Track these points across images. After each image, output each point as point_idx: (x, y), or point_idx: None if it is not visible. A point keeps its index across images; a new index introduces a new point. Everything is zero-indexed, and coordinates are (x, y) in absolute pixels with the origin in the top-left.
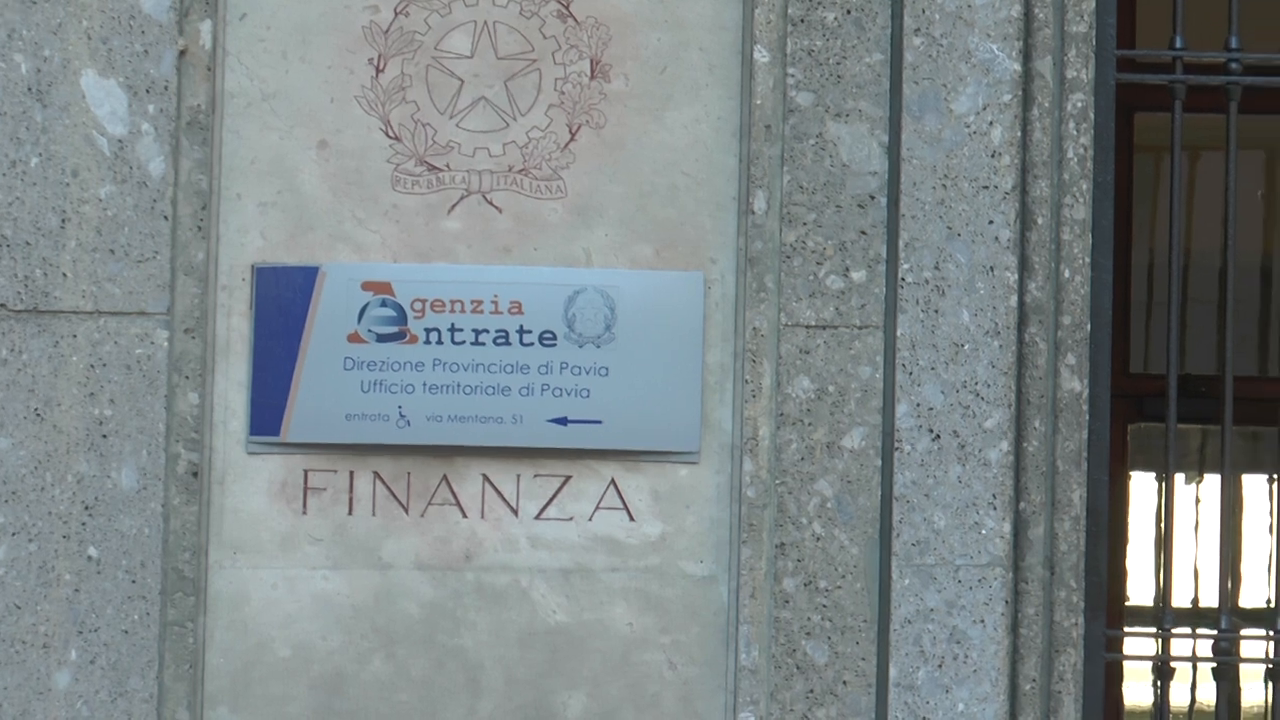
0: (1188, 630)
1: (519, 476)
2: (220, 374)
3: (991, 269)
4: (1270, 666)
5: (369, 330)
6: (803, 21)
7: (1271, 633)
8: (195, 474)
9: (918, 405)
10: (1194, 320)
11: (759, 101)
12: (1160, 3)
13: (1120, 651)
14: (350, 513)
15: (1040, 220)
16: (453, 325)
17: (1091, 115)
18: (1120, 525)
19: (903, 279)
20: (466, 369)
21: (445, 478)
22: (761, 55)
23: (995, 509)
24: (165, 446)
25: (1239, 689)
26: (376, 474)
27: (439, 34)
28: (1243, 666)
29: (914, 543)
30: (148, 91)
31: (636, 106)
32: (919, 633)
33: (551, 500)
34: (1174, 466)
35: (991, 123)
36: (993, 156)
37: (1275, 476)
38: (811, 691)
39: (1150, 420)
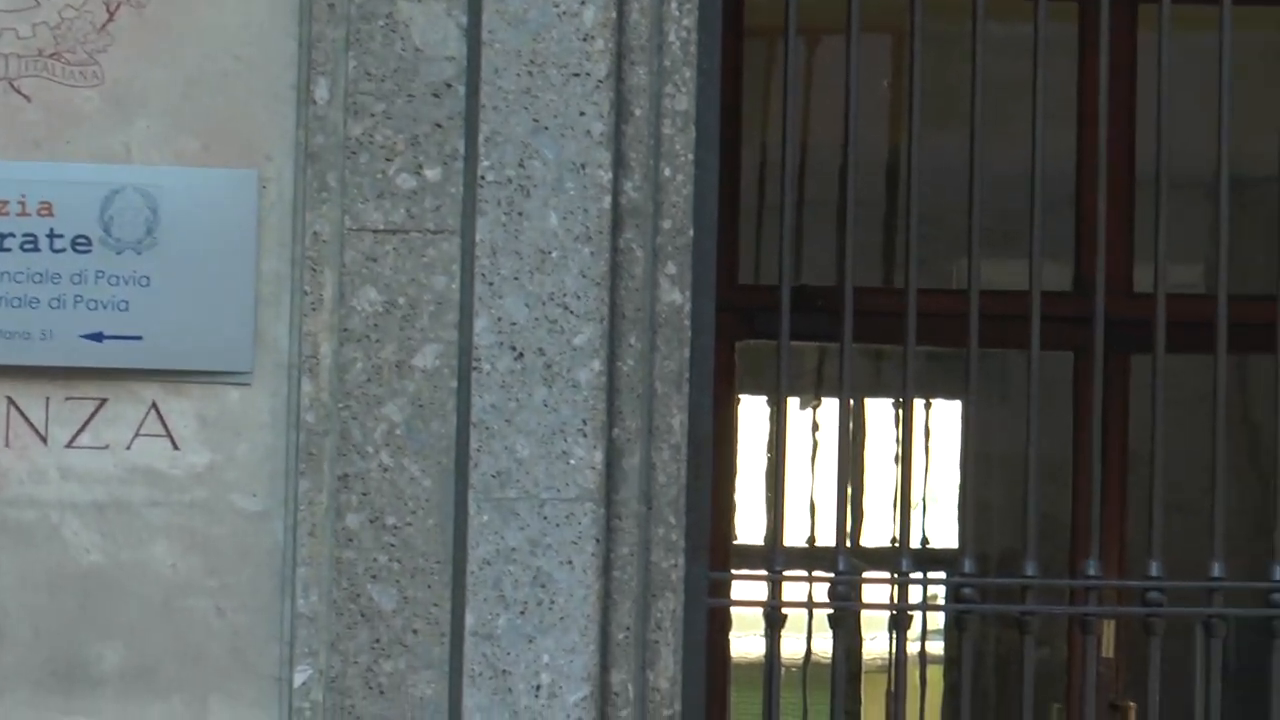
0: (802, 573)
1: (48, 400)
2: None
3: (582, 167)
4: (894, 614)
5: None
6: None
7: (895, 575)
8: None
9: (499, 320)
10: (811, 225)
11: None
12: None
13: (726, 596)
14: None
15: (638, 112)
16: None
17: None
18: (727, 455)
19: (482, 178)
20: None
21: None
22: None
23: (586, 436)
24: None
25: (859, 638)
26: None
27: None
28: (864, 613)
29: (494, 474)
30: None
31: None
32: (499, 575)
33: (85, 426)
34: (787, 389)
35: (584, 2)
36: (585, 40)
37: (902, 400)
38: (378, 641)
39: (761, 337)
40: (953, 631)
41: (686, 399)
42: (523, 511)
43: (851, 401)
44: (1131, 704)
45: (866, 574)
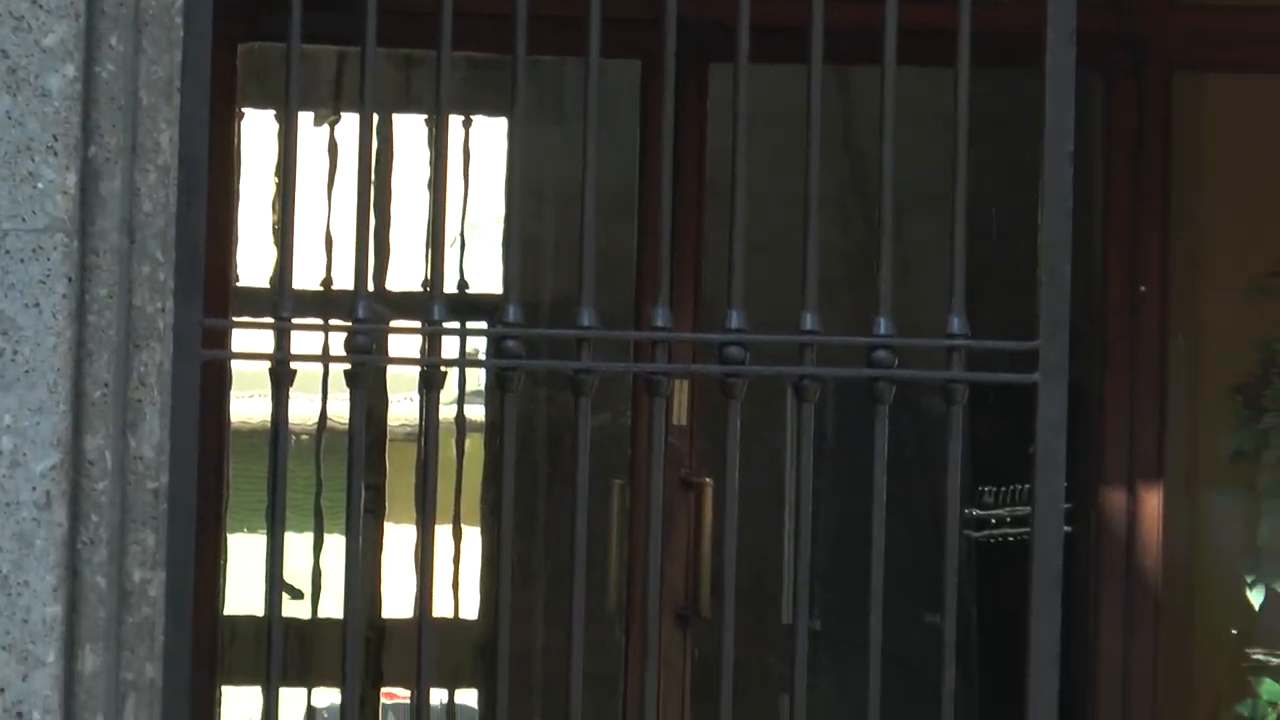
0: (316, 321)
1: None
2: None
3: None
4: (425, 370)
5: None
6: None
7: (426, 325)
8: None
9: None
10: None
11: None
12: None
13: (225, 348)
14: None
15: None
16: None
17: None
18: (226, 179)
19: None
20: None
21: None
22: None
23: (57, 155)
24: None
25: (384, 399)
26: None
27: None
28: (389, 370)
29: None
30: None
31: None
32: None
33: None
34: (298, 101)
35: None
36: None
37: (436, 117)
38: None
39: (268, 39)
40: (495, 392)
41: (177, 111)
42: None
43: (376, 117)
44: (708, 480)
45: (392, 323)
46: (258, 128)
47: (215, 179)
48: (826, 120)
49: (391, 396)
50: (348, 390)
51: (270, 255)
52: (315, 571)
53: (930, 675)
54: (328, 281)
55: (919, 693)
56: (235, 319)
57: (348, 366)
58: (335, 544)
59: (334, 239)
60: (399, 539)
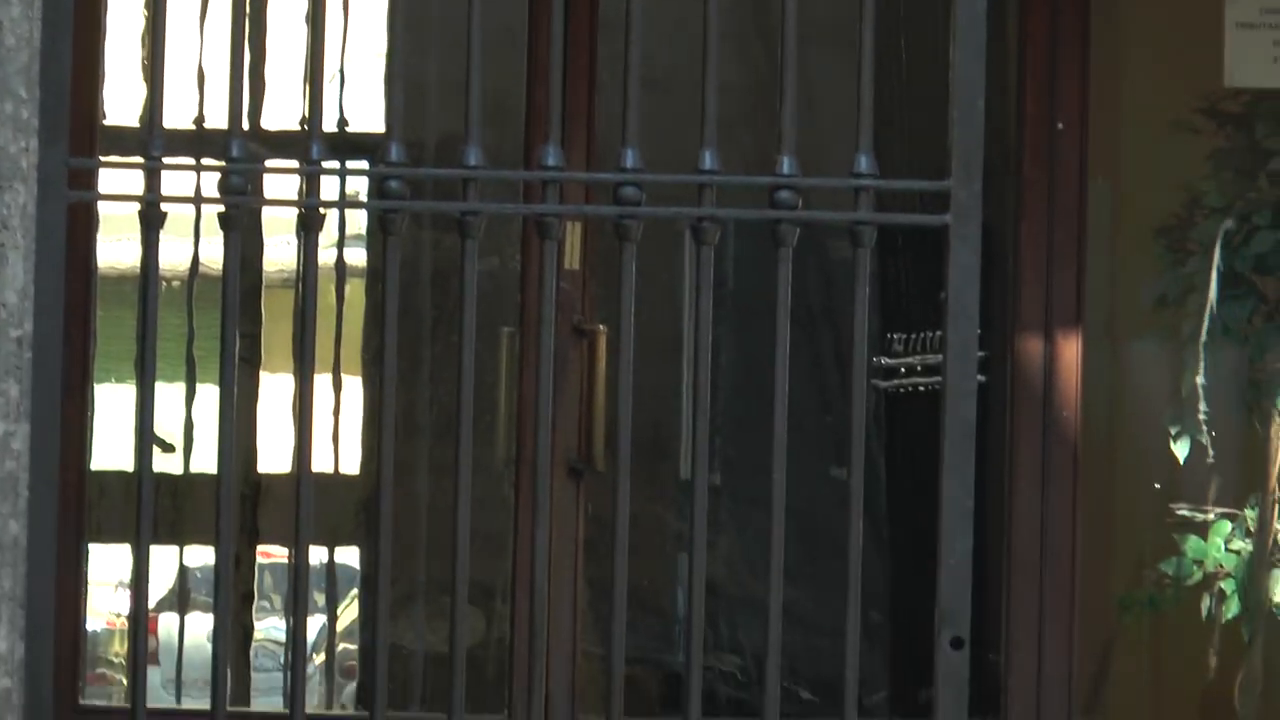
0: (188, 160)
1: None
2: None
3: None
4: (303, 212)
5: None
6: None
7: (305, 164)
8: None
9: None
10: None
11: None
12: None
13: (92, 189)
14: None
15: None
16: None
17: None
18: (94, 13)
19: None
20: None
21: None
22: None
23: None
24: None
25: (260, 243)
26: None
27: None
28: (265, 212)
29: None
30: None
31: None
32: None
33: None
34: None
35: None
36: None
37: None
38: None
39: None
40: (377, 235)
41: None
42: None
43: None
44: (601, 327)
45: (268, 163)
46: None
47: (82, 12)
48: None
49: (267, 240)
50: (221, 234)
51: (140, 92)
52: (187, 424)
53: (836, 532)
54: (200, 120)
55: (824, 550)
56: (103, 159)
57: (221, 209)
58: (208, 395)
59: (207, 75)
60: (275, 390)
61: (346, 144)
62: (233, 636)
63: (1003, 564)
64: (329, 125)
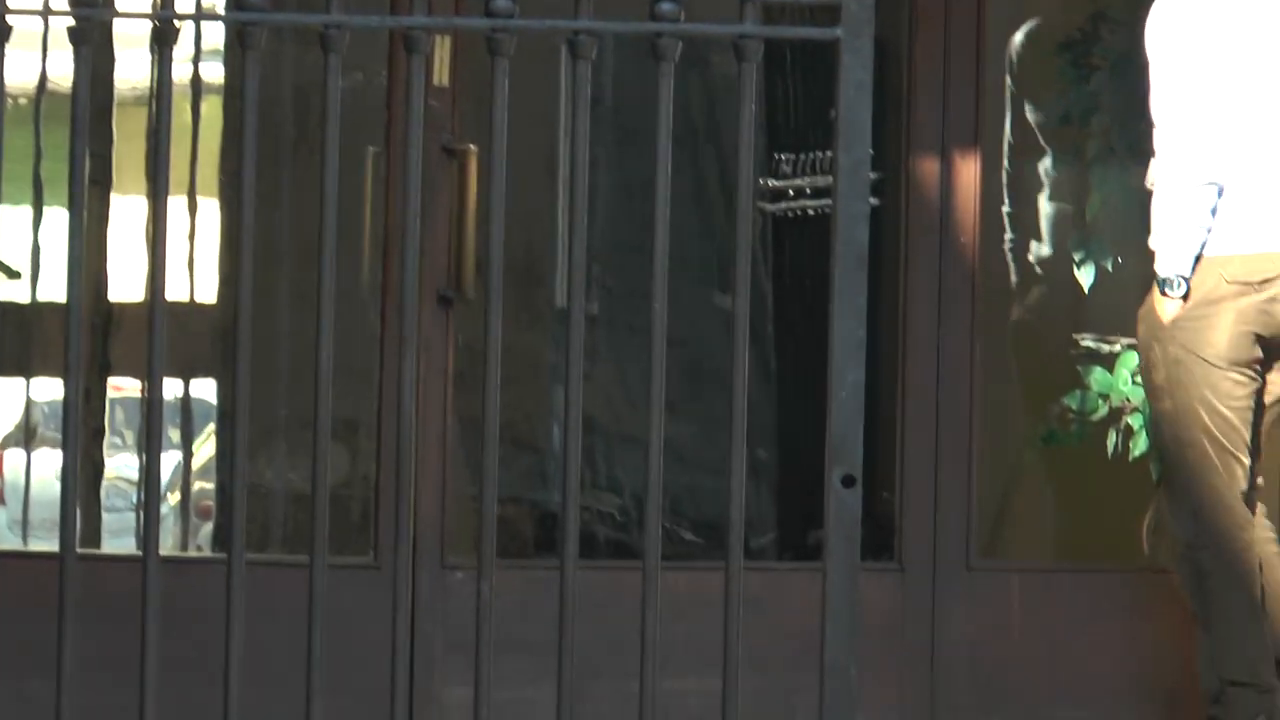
0: None
1: None
2: None
3: None
4: (157, 25)
5: None
6: None
7: None
8: None
9: None
10: None
11: None
12: None
13: None
14: None
15: None
16: None
17: None
18: None
19: None
20: None
21: None
22: None
23: None
24: None
25: (111, 58)
26: None
27: None
28: (116, 24)
29: None
30: None
31: None
32: None
33: None
34: None
35: None
36: None
37: None
38: None
39: None
40: (235, 50)
41: None
42: None
43: None
44: (472, 147)
45: None
46: None
47: None
48: None
49: (119, 55)
50: (71, 48)
51: None
52: (34, 249)
53: (720, 363)
54: None
55: (708, 383)
56: None
57: (71, 22)
58: (56, 218)
59: None
60: (128, 213)
61: None
62: (82, 475)
63: (897, 398)
64: None
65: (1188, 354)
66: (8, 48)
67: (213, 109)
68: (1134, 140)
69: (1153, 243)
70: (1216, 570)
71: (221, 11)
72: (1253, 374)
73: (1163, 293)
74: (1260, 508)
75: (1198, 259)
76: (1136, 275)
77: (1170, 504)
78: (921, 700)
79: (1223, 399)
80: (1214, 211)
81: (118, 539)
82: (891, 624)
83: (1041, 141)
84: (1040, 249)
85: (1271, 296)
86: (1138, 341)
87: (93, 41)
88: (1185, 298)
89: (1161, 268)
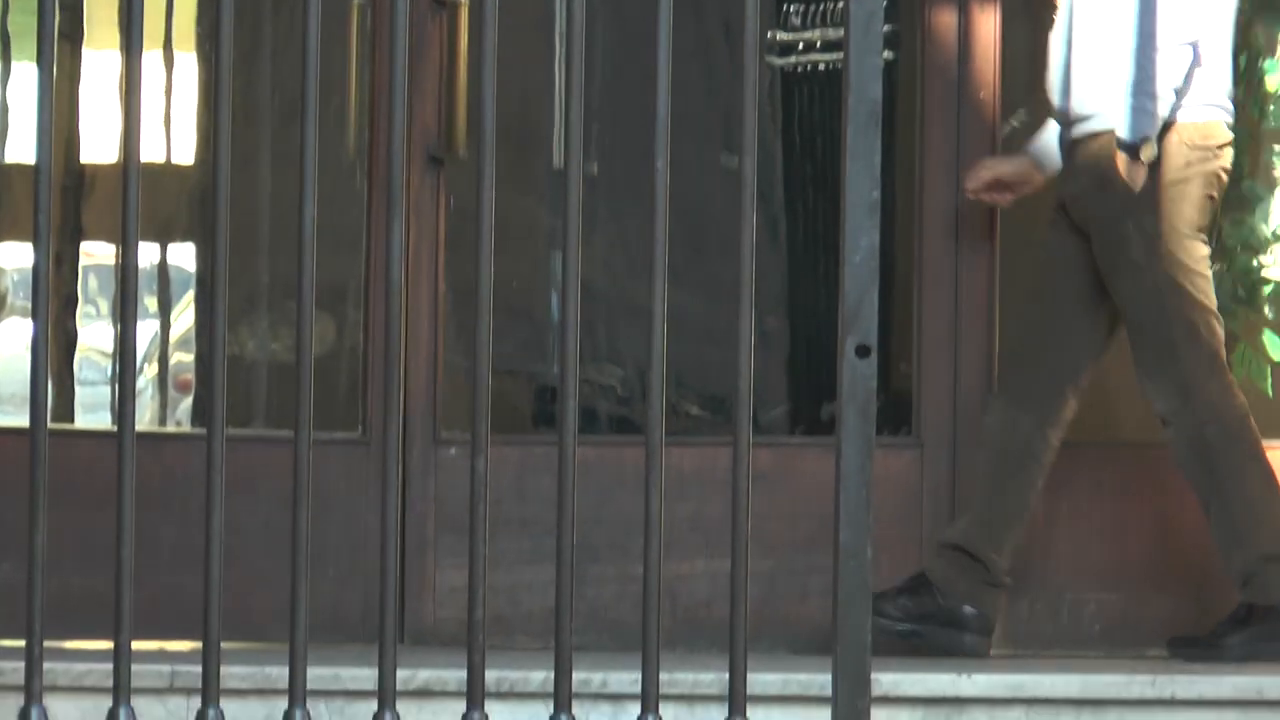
0: None
1: None
2: None
3: None
4: None
5: None
6: None
7: None
8: None
9: None
10: None
11: None
12: None
13: None
14: None
15: None
16: None
17: None
18: None
19: None
20: None
21: None
22: None
23: None
24: None
25: None
26: None
27: None
28: None
29: None
30: None
31: None
32: None
33: None
34: None
35: None
36: None
37: None
38: None
39: None
40: None
41: None
42: None
43: None
44: None
45: None
46: None
47: None
48: None
49: None
50: None
51: None
52: (2, 107)
53: (727, 227)
54: None
55: (714, 248)
56: None
57: None
58: (24, 74)
59: None
60: (100, 68)
61: None
62: (54, 346)
63: (914, 262)
64: None
65: (1167, 225)
66: None
67: None
68: None
69: (1121, 105)
70: (1223, 443)
71: None
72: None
73: (1133, 158)
74: None
75: (1166, 125)
76: None
77: (1152, 385)
78: None
79: (1198, 263)
80: (1186, 76)
81: (92, 414)
82: (909, 503)
83: None
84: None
85: (1224, 164)
86: (1102, 217)
87: None
88: (1153, 165)
89: (1133, 130)
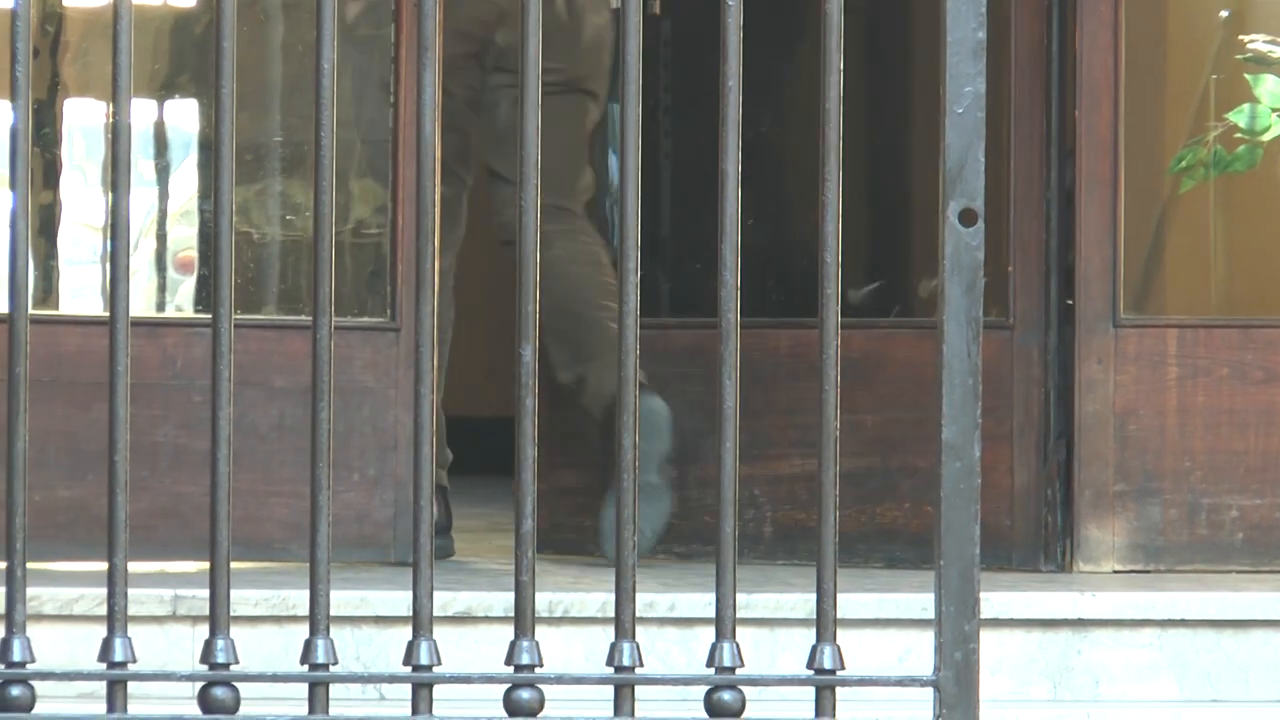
0: None
1: None
2: None
3: None
4: None
5: None
6: None
7: None
8: None
9: None
10: None
11: None
12: None
13: None
14: None
15: None
16: None
17: None
18: None
19: None
20: None
21: None
22: None
23: None
24: None
25: None
26: None
27: None
28: None
29: None
30: None
31: None
32: None
33: None
34: None
35: None
36: None
37: None
38: None
39: None
40: None
41: None
42: None
43: None
44: None
45: None
46: None
47: None
48: None
49: None
50: None
51: None
52: None
53: (807, 90)
54: None
55: (795, 107)
56: None
57: None
58: None
59: None
60: None
61: None
62: (35, 220)
63: (1006, 116)
64: None
65: None
66: None
67: None
68: None
69: None
70: None
71: None
72: None
73: None
74: None
75: None
76: None
77: None
78: (1050, 483)
79: None
80: None
81: (79, 298)
82: (1005, 389)
83: None
84: None
85: None
86: None
87: None
88: None
89: None
